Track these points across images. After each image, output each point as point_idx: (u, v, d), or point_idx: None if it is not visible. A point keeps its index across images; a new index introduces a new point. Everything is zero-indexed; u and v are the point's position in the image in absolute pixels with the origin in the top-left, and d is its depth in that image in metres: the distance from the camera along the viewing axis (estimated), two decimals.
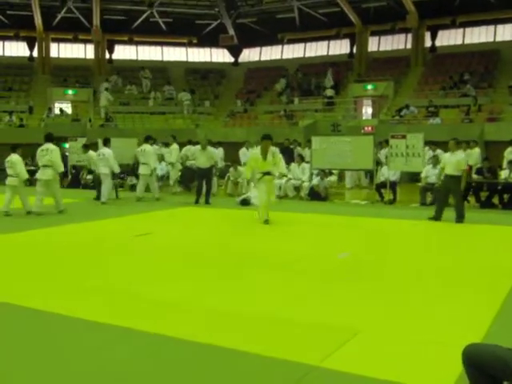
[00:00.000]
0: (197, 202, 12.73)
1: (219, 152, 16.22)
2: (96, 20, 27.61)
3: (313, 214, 11.12)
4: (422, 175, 12.79)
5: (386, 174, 13.45)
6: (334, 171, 15.02)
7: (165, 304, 4.90)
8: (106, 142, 13.66)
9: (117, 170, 13.50)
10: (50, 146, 11.38)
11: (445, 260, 6.83)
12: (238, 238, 8.63)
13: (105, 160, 13.14)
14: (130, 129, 24.05)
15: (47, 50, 29.01)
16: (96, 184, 14.66)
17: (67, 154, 18.33)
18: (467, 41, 26.09)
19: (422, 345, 3.88)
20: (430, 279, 5.82)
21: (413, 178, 15.59)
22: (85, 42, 29.37)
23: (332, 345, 3.84)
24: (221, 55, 31.62)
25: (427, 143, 14.44)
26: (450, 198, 10.22)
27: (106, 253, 7.36)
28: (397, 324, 4.35)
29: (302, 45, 29.98)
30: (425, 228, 9.56)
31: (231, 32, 29.04)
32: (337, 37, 28.17)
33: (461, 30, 26.05)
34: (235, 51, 31.06)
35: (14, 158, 11.04)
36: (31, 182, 11.57)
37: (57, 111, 26.72)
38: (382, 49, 28.02)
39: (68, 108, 27.48)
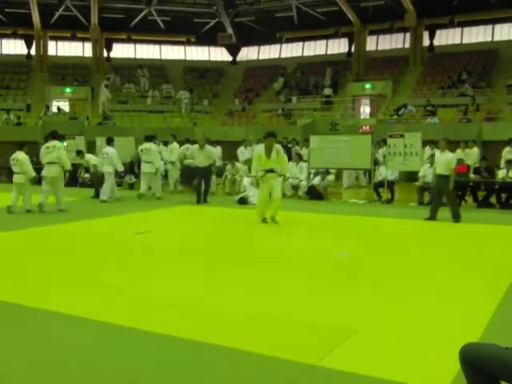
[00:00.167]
0: (198, 201, 12.73)
1: (217, 151, 16.20)
2: (94, 18, 27.56)
3: (311, 213, 11.13)
4: (420, 174, 12.82)
5: (383, 173, 13.48)
6: (331, 170, 15.03)
7: (165, 303, 4.90)
8: (110, 141, 13.69)
9: (120, 168, 13.55)
10: (57, 143, 11.44)
11: (442, 259, 6.86)
12: (236, 238, 8.64)
13: (108, 159, 13.21)
14: (127, 127, 24.03)
15: (45, 47, 28.96)
16: (94, 182, 14.68)
17: (65, 152, 18.28)
18: (465, 40, 26.12)
19: (420, 344, 3.90)
20: (427, 279, 5.84)
21: (410, 177, 15.62)
22: (83, 40, 29.30)
23: (330, 344, 3.86)
24: (219, 54, 31.60)
25: (428, 142, 14.48)
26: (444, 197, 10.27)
27: (106, 251, 7.36)
28: (394, 323, 4.37)
29: (300, 44, 29.98)
30: (423, 227, 9.58)
31: (229, 31, 29.01)
32: (335, 36, 28.16)
33: (459, 30, 26.07)
34: (233, 50, 31.04)
35: (21, 156, 11.10)
36: (39, 179, 11.64)
37: (54, 109, 26.66)
38: (380, 48, 28.04)
39: (66, 106, 27.44)
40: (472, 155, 14.69)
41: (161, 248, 7.54)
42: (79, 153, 15.67)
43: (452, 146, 15.21)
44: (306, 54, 29.86)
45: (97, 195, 14.00)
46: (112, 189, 13.41)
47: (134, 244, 7.86)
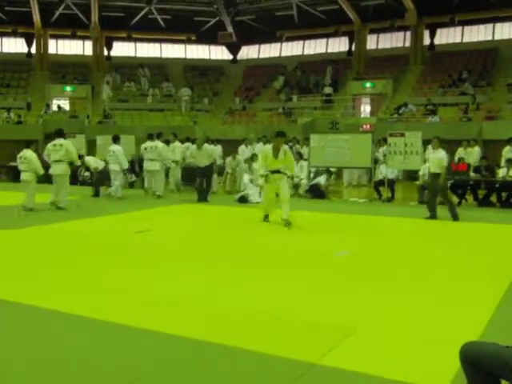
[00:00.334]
0: (199, 200, 12.74)
1: (217, 149, 16.20)
2: (94, 16, 27.55)
3: (311, 211, 11.13)
4: (420, 173, 12.81)
5: (384, 172, 13.48)
6: (332, 169, 15.04)
7: (165, 301, 4.90)
8: (116, 139, 13.72)
9: (125, 166, 13.58)
10: (63, 141, 11.53)
11: (443, 258, 6.86)
12: (237, 236, 8.63)
13: (115, 157, 13.27)
14: (128, 126, 24.02)
15: (45, 46, 28.96)
16: (94, 181, 14.69)
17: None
18: (466, 39, 26.11)
19: (420, 342, 3.90)
20: (427, 277, 5.84)
21: (411, 176, 15.62)
22: (83, 38, 29.31)
23: (330, 343, 3.86)
24: (219, 52, 31.59)
25: (429, 142, 14.46)
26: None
27: (106, 250, 7.35)
28: (394, 322, 4.37)
29: (300, 42, 29.97)
30: (423, 226, 9.58)
31: (230, 29, 29.02)
32: (335, 34, 28.16)
33: (459, 29, 26.06)
34: (234, 48, 31.04)
35: (29, 154, 11.19)
36: (49, 177, 11.76)
37: (55, 108, 26.67)
38: (380, 47, 28.02)
39: (66, 105, 27.45)
40: (473, 154, 14.69)
41: (161, 246, 7.54)
42: (80, 157, 15.68)
43: (453, 144, 15.28)
44: (306, 52, 29.86)
45: (96, 194, 14.05)
46: (117, 188, 13.51)
47: (134, 242, 7.85)
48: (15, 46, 29.55)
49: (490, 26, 25.42)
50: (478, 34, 25.83)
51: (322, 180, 13.91)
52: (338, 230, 9.24)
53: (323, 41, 29.34)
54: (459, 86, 22.94)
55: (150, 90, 27.64)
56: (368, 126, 20.66)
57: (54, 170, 11.33)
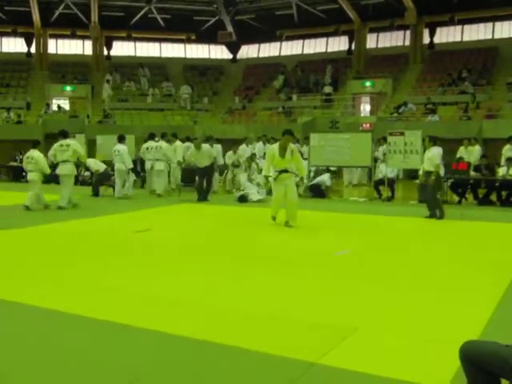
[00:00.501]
0: (199, 199, 12.75)
1: (217, 149, 16.16)
2: (94, 16, 27.55)
3: (312, 211, 11.12)
4: (420, 172, 12.79)
5: (384, 171, 13.47)
6: (332, 168, 15.05)
7: (165, 301, 4.90)
8: (121, 139, 13.71)
9: (130, 165, 13.57)
10: (70, 141, 11.68)
11: (443, 257, 6.85)
12: (237, 236, 8.63)
13: (120, 156, 13.31)
14: (128, 125, 24.02)
15: (45, 46, 28.96)
16: (94, 181, 14.69)
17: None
18: (466, 38, 26.10)
19: (420, 342, 3.90)
20: (427, 276, 5.84)
21: (411, 175, 15.62)
22: (83, 38, 29.32)
23: (330, 342, 3.86)
24: (219, 52, 31.59)
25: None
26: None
27: (106, 249, 7.35)
28: (394, 321, 4.37)
29: (300, 41, 29.97)
30: (423, 225, 9.58)
31: (229, 28, 29.01)
32: (335, 33, 28.15)
33: (459, 27, 26.06)
34: (233, 48, 31.02)
35: (36, 154, 11.26)
36: (56, 177, 11.84)
37: (55, 107, 26.68)
38: (380, 46, 28.03)
39: (66, 104, 27.46)
40: (474, 153, 14.69)
41: (161, 246, 7.53)
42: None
43: (453, 143, 15.28)
44: (306, 51, 29.85)
45: (95, 194, 14.07)
46: (129, 187, 13.62)
47: (134, 242, 7.85)
48: (15, 45, 29.55)
49: (490, 24, 25.41)
50: (477, 32, 25.82)
51: (326, 180, 13.91)
52: (338, 229, 9.24)
53: (323, 40, 29.34)
54: (459, 85, 22.93)
55: (150, 90, 27.63)
56: (368, 125, 20.66)
57: (61, 170, 11.42)
